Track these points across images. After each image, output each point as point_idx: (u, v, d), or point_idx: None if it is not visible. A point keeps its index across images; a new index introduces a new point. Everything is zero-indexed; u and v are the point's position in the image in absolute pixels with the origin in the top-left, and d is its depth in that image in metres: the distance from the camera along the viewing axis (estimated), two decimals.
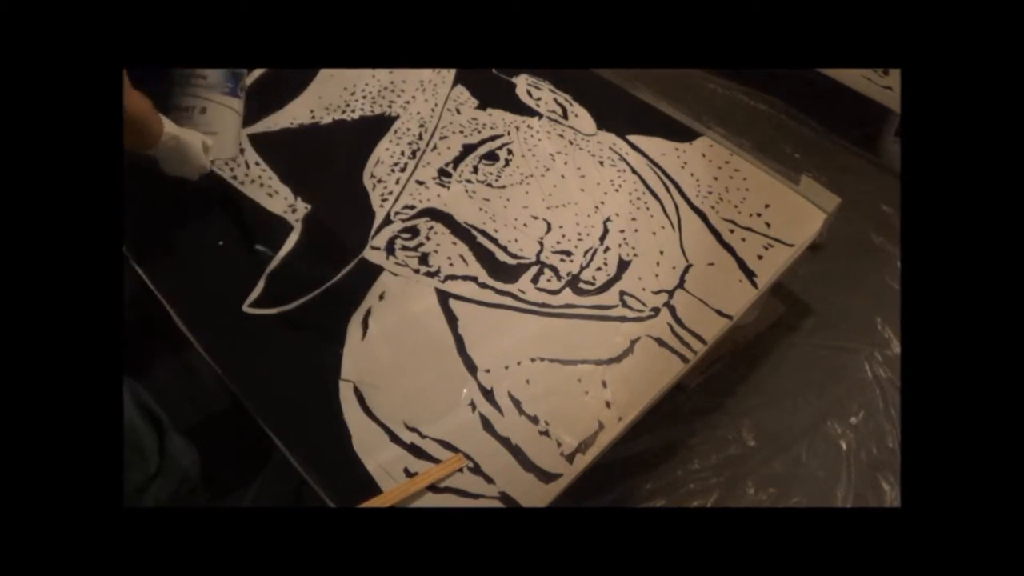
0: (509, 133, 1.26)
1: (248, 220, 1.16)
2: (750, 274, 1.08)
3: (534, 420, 0.95)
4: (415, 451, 0.93)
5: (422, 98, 1.31)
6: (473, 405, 0.97)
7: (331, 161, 1.23)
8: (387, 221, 1.15)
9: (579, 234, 1.13)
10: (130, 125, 0.95)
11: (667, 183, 1.20)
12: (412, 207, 1.16)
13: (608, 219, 1.15)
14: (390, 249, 1.11)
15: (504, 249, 1.11)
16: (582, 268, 1.09)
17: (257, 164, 1.21)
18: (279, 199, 1.18)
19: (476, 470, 0.92)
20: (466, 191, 1.18)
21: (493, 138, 1.25)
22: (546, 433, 0.94)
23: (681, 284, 1.08)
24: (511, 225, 1.14)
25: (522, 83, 1.34)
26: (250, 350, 1.02)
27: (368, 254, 1.11)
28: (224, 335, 1.03)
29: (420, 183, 1.19)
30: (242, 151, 1.21)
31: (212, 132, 1.10)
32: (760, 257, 1.10)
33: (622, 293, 1.07)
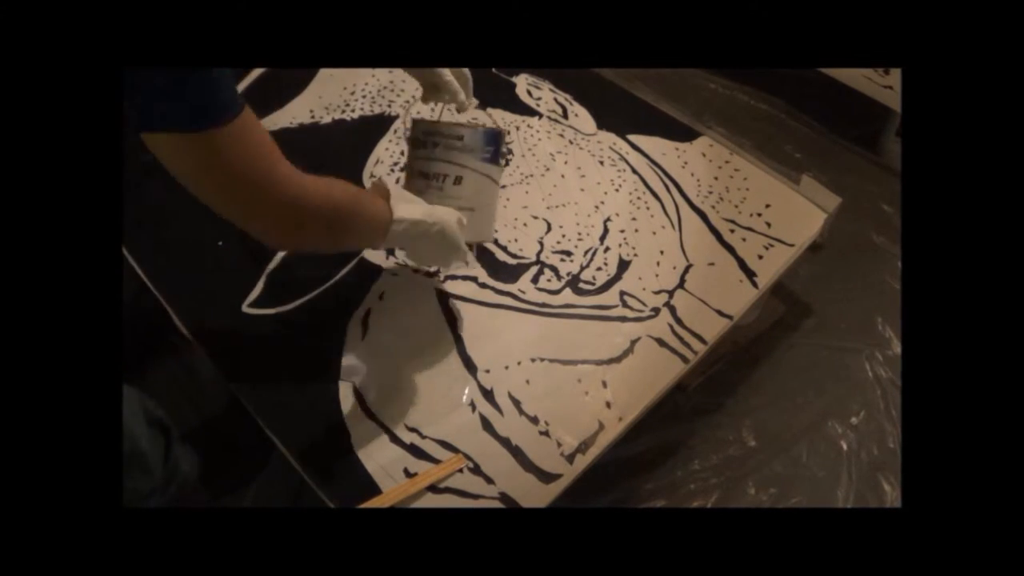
0: (509, 133, 1.26)
1: None
2: (750, 274, 1.08)
3: (534, 420, 0.95)
4: (415, 451, 0.93)
5: None
6: (473, 405, 0.97)
7: (331, 161, 1.22)
8: None
9: (579, 234, 1.13)
10: (335, 220, 0.71)
11: (667, 183, 1.19)
12: None
13: (608, 219, 1.15)
14: (389, 249, 1.11)
15: (504, 249, 1.11)
16: (582, 268, 1.09)
17: None
18: None
19: (476, 470, 0.92)
20: None
21: None
22: (546, 433, 0.94)
23: (681, 284, 1.07)
24: (511, 225, 1.14)
25: (522, 83, 1.34)
26: (249, 350, 1.02)
27: (368, 254, 1.11)
28: (223, 335, 1.03)
29: None
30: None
31: (468, 208, 0.89)
32: (760, 257, 1.10)
33: (622, 293, 1.07)
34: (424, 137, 0.91)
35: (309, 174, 0.71)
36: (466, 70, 0.92)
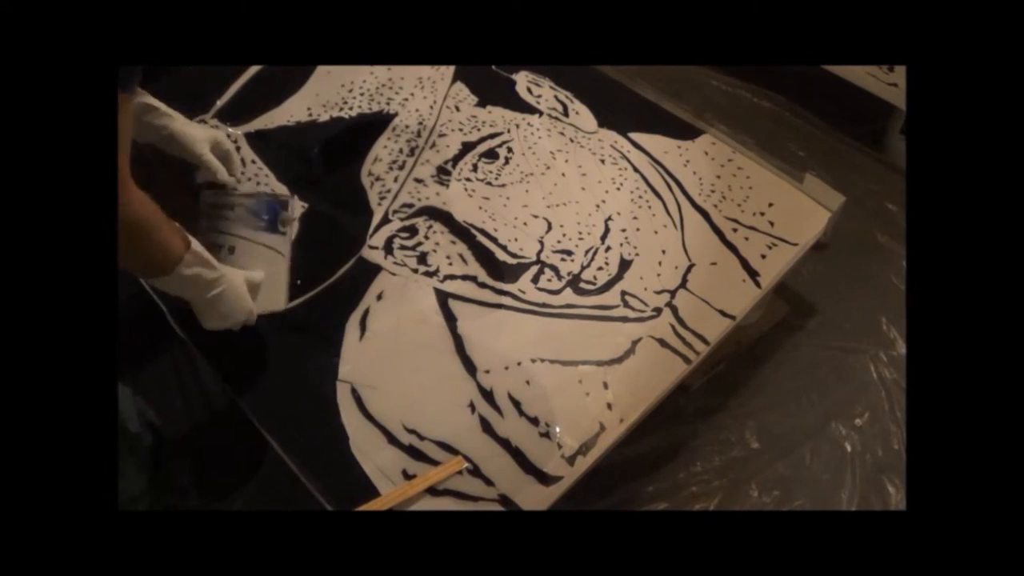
0: (509, 131, 1.25)
1: None
2: (753, 274, 1.07)
3: (534, 422, 0.94)
4: (413, 453, 0.92)
5: (421, 95, 1.30)
6: (472, 406, 0.96)
7: (329, 159, 1.22)
8: (385, 220, 1.13)
9: (580, 233, 1.12)
10: (128, 236, 0.73)
11: (669, 181, 1.18)
12: (411, 206, 1.15)
13: (609, 218, 1.14)
14: (388, 248, 1.10)
15: (504, 248, 1.10)
16: (583, 267, 1.08)
17: (254, 163, 1.20)
18: None
19: (475, 472, 0.91)
20: (465, 189, 1.17)
21: (493, 136, 1.24)
22: (547, 435, 0.93)
23: (683, 284, 1.06)
24: (511, 224, 1.13)
25: (522, 80, 1.33)
26: (246, 351, 1.01)
27: (366, 253, 1.10)
28: (219, 335, 1.02)
29: (419, 181, 1.18)
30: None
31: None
32: (763, 256, 1.09)
33: (623, 293, 1.06)
34: (205, 209, 0.92)
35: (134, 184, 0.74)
36: (230, 148, 0.94)
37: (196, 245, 0.81)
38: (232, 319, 0.88)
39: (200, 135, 0.91)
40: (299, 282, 1.04)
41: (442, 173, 1.19)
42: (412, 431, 0.94)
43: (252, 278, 0.89)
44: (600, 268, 1.08)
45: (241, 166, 1.18)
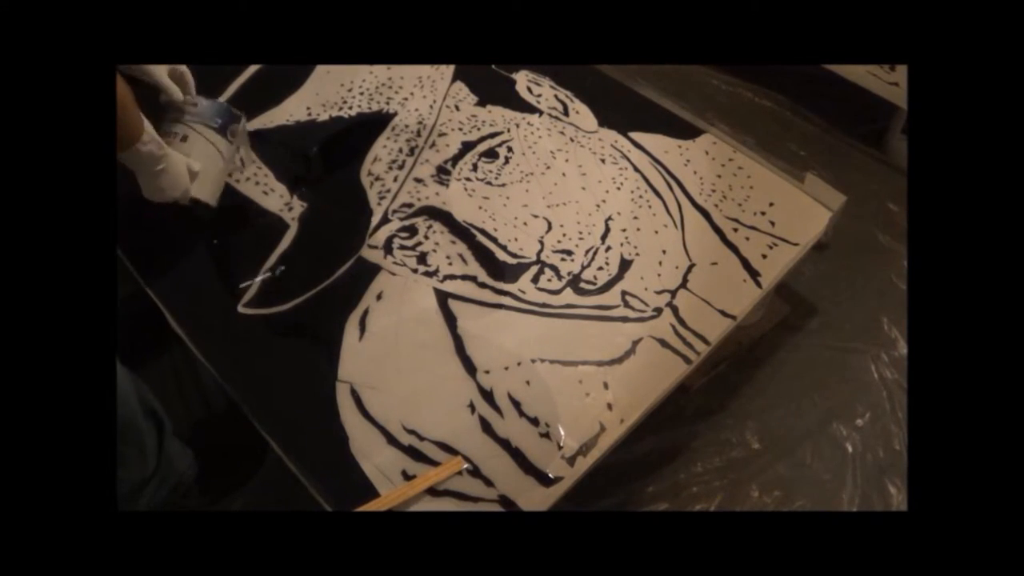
0: (509, 130, 1.24)
1: (243, 218, 1.14)
2: (754, 274, 1.07)
3: (534, 422, 0.94)
4: (413, 453, 0.92)
5: (420, 95, 1.30)
6: (472, 407, 0.95)
7: (328, 159, 1.21)
8: (385, 219, 1.13)
9: (580, 233, 1.12)
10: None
11: (670, 181, 1.18)
12: (410, 205, 1.15)
13: (610, 218, 1.14)
14: (388, 248, 1.10)
15: (504, 248, 1.10)
16: (583, 267, 1.08)
17: (253, 162, 1.20)
18: (275, 197, 1.16)
19: (475, 473, 0.90)
20: (465, 189, 1.16)
21: (493, 135, 1.24)
22: (547, 435, 0.93)
23: (684, 284, 1.06)
24: (511, 224, 1.12)
25: (522, 79, 1.33)
26: (245, 351, 1.01)
27: (366, 253, 1.10)
28: (218, 335, 1.02)
29: (418, 181, 1.18)
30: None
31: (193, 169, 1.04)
32: (764, 256, 1.09)
33: (624, 293, 1.05)
34: (170, 106, 1.05)
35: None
36: (184, 71, 1.06)
37: (148, 126, 0.93)
38: (169, 195, 1.00)
39: None
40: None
41: (442, 173, 1.18)
42: (412, 431, 0.93)
43: (191, 165, 1.02)
44: (600, 268, 1.08)
45: (241, 165, 1.18)
